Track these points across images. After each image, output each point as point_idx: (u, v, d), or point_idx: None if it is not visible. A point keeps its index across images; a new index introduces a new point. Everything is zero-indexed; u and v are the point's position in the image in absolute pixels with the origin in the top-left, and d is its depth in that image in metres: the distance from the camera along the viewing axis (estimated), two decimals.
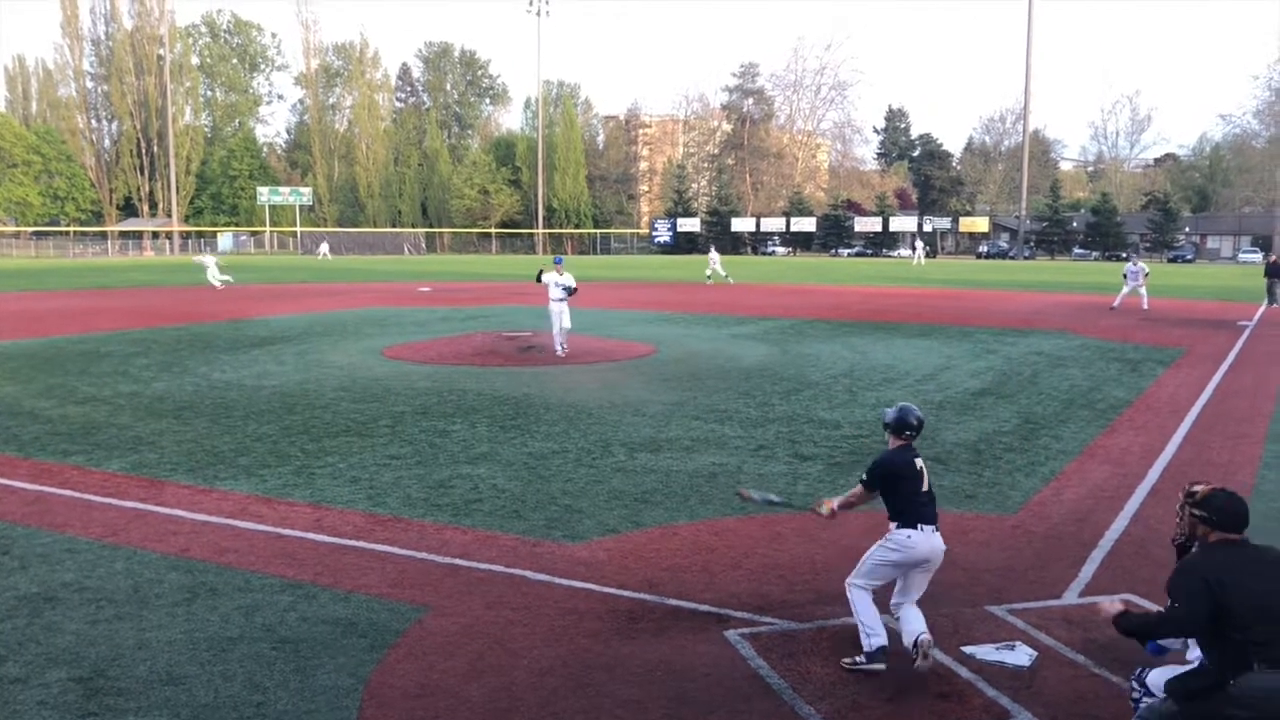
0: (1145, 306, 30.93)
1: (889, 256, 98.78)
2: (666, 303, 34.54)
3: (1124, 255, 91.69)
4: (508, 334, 22.79)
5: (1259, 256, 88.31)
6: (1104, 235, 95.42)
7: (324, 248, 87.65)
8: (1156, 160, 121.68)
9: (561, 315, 19.57)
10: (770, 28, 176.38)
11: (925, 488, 5.95)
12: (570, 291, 19.50)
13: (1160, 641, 4.87)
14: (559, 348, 19.55)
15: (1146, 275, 31.99)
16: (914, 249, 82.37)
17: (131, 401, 14.37)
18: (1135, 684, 4.79)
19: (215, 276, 40.26)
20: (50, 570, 7.31)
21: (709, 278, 47.45)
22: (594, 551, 7.83)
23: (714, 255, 50.77)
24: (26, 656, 5.85)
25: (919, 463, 6.00)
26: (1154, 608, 4.99)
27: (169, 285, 44.60)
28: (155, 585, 7.02)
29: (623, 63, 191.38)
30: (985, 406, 14.34)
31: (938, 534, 5.84)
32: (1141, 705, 4.70)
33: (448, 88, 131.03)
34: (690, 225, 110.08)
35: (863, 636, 5.76)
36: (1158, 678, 4.61)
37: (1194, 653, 4.69)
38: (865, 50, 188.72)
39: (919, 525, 5.80)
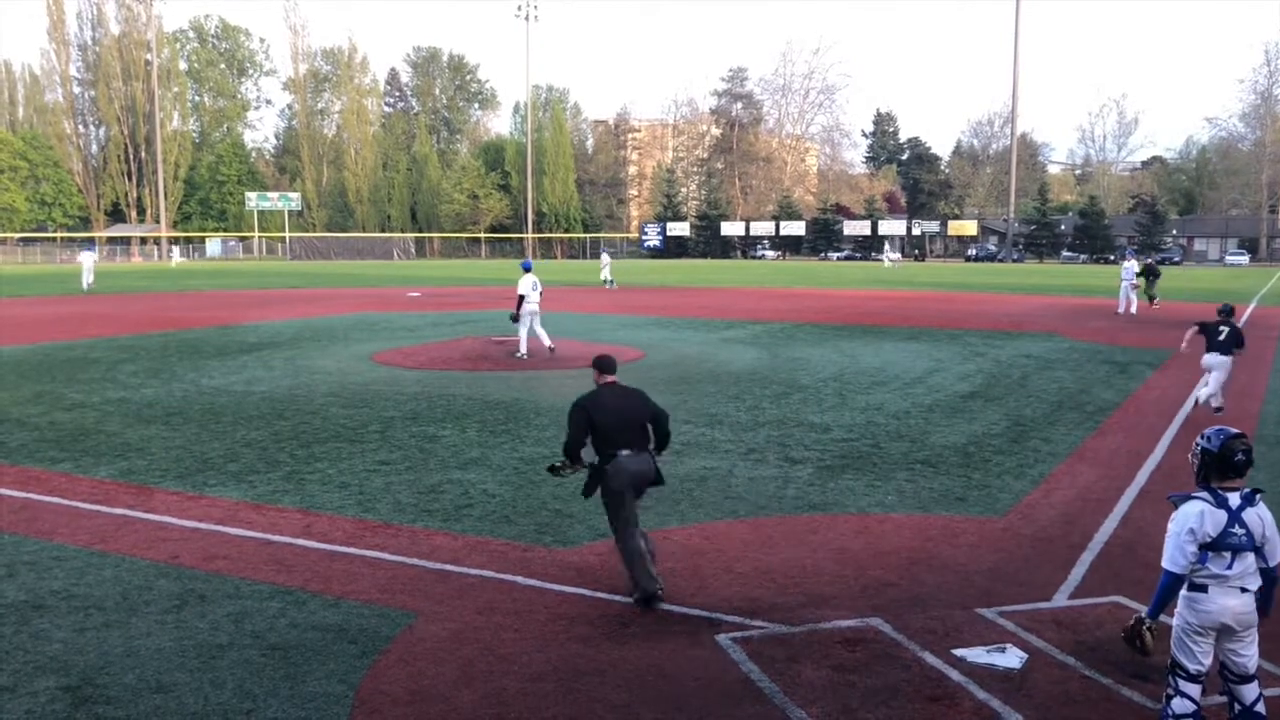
0: (1132, 310, 30.98)
1: (865, 260, 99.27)
2: (655, 307, 34.55)
3: (1112, 258, 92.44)
4: (497, 339, 22.76)
5: (1246, 259, 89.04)
6: (1092, 238, 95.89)
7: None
8: (1144, 163, 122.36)
9: (537, 316, 19.97)
10: (758, 32, 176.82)
11: None
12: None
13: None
14: (549, 345, 19.98)
15: (1138, 275, 32.10)
16: (885, 252, 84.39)
17: (120, 408, 14.30)
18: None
19: (87, 277, 45.10)
20: (38, 578, 7.27)
21: (608, 282, 45.84)
22: (584, 556, 7.83)
23: (605, 259, 49.49)
24: (14, 665, 5.82)
25: None
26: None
27: (157, 291, 44.46)
28: (144, 592, 6.99)
29: (612, 67, 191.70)
30: (974, 409, 14.38)
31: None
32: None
33: (436, 92, 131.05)
34: (680, 229, 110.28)
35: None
36: None
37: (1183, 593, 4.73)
38: (853, 54, 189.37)
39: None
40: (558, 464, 7.35)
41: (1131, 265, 32.44)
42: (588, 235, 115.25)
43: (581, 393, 7.30)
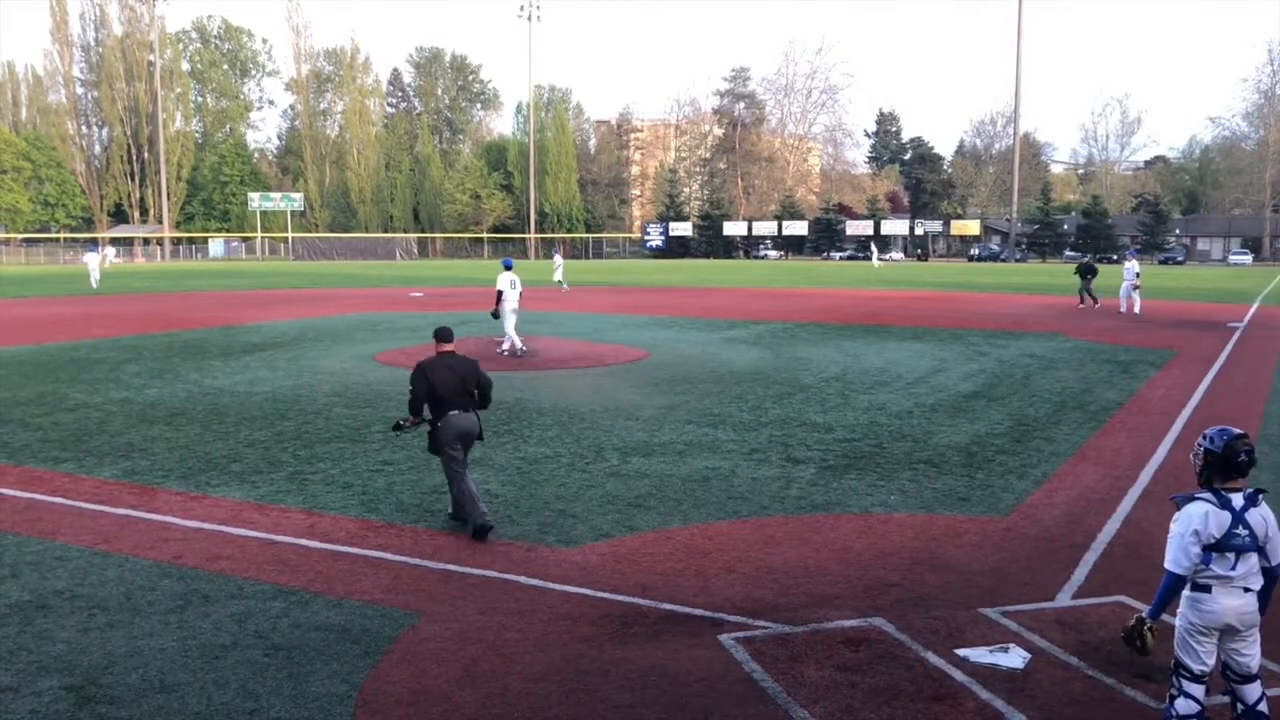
0: (1137, 310, 30.75)
1: (851, 259, 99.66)
2: (659, 307, 34.55)
3: (1115, 258, 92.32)
4: (499, 339, 22.74)
5: (1249, 259, 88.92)
6: (1095, 237, 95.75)
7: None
8: (1147, 162, 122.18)
9: (516, 314, 20.33)
10: (761, 32, 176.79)
11: None
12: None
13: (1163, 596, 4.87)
14: (521, 346, 20.37)
15: (1138, 275, 31.98)
16: (872, 252, 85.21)
17: (123, 408, 14.32)
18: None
19: (94, 276, 47.25)
20: (41, 578, 7.28)
21: (559, 284, 44.73)
22: (587, 556, 7.83)
23: (557, 260, 48.71)
24: (18, 665, 5.83)
25: None
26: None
27: (160, 292, 44.52)
28: (147, 593, 7.00)
29: (614, 67, 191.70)
30: (977, 409, 14.37)
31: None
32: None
33: (439, 93, 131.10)
34: (682, 229, 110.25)
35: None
36: None
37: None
38: (856, 54, 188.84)
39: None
40: (401, 420, 8.58)
41: (1133, 265, 32.19)
42: (590, 235, 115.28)
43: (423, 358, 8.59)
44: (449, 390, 8.32)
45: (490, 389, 8.66)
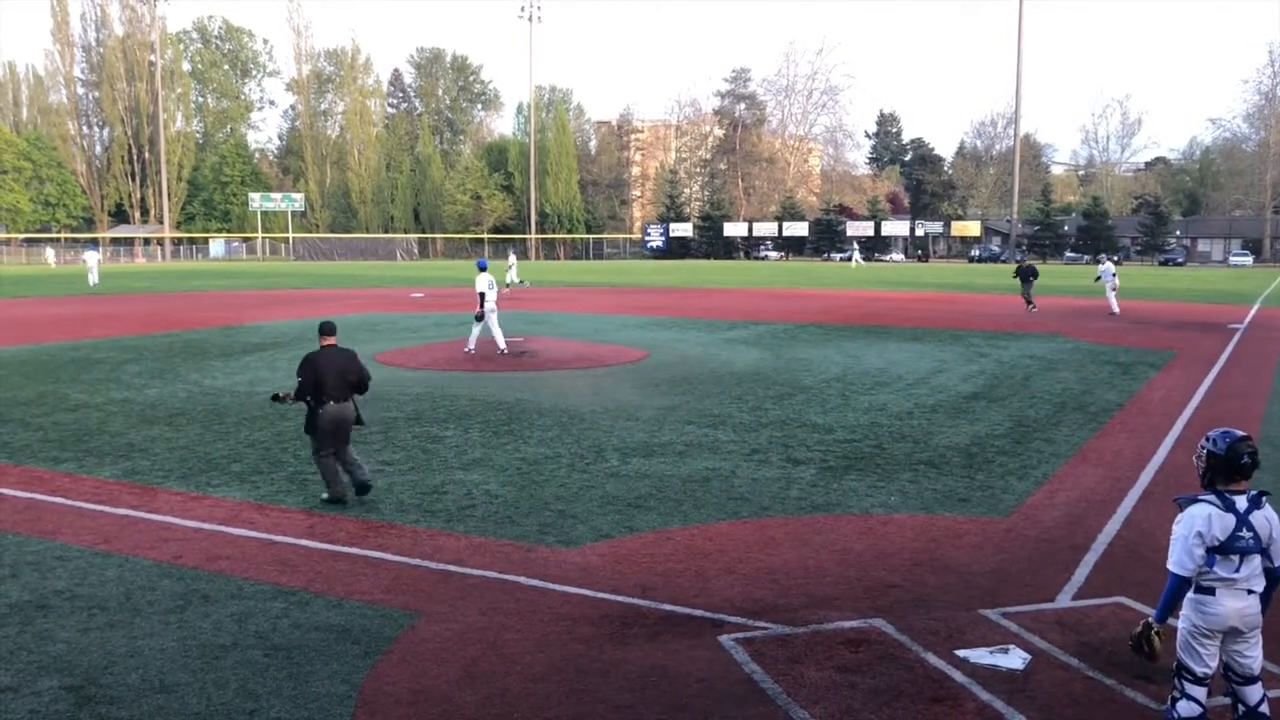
0: (1115, 310, 31.04)
1: (830, 259, 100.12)
2: (659, 308, 34.55)
3: (1117, 259, 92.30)
4: (489, 340, 22.73)
5: (1250, 260, 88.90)
6: (1095, 239, 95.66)
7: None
8: (1147, 164, 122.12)
9: (494, 314, 20.62)
10: (762, 33, 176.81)
11: None
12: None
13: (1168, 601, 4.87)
14: (503, 347, 20.55)
15: (1114, 276, 31.78)
16: (852, 252, 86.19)
17: (123, 408, 14.32)
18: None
19: (92, 276, 48.65)
20: (42, 578, 7.28)
21: (512, 284, 43.86)
22: (587, 557, 7.82)
23: (512, 259, 48.32)
24: (18, 665, 5.83)
25: None
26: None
27: (161, 292, 44.53)
28: (147, 593, 7.00)
29: (615, 68, 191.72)
30: (977, 410, 14.36)
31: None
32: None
33: (440, 93, 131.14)
34: (683, 230, 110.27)
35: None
36: None
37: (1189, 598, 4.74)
38: (856, 55, 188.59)
39: None
40: (280, 394, 9.55)
41: (1109, 267, 32.31)
42: (591, 236, 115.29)
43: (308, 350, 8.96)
44: (331, 381, 9.11)
45: (368, 381, 9.50)
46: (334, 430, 9.20)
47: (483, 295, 19.99)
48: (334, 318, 13.74)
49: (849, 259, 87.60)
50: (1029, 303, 32.22)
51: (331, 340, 9.43)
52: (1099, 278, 32.67)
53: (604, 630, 6.41)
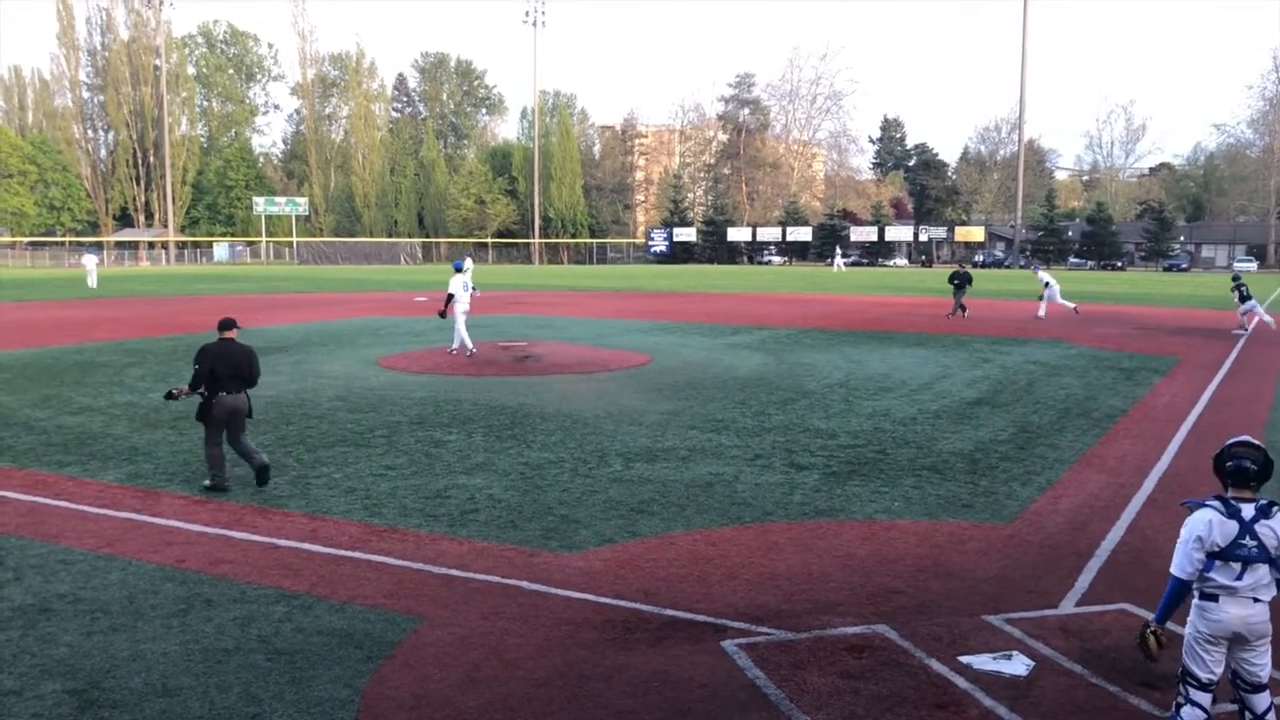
0: (1041, 314, 31.33)
1: (817, 264, 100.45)
2: (662, 312, 34.56)
3: (1120, 265, 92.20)
4: (504, 343, 22.79)
5: (1254, 266, 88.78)
6: (1099, 244, 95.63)
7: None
8: (1151, 169, 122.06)
9: (466, 316, 20.88)
10: (765, 38, 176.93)
11: None
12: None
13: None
14: (471, 348, 20.66)
15: (1047, 285, 31.68)
16: (835, 256, 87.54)
17: (127, 412, 14.34)
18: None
19: (91, 278, 49.44)
20: (45, 581, 7.29)
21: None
22: (590, 562, 7.82)
23: (468, 264, 47.84)
24: (21, 668, 5.83)
25: None
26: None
27: (165, 296, 44.60)
28: (150, 596, 7.01)
29: (619, 73, 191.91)
30: (981, 415, 14.35)
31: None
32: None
33: (444, 98, 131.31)
34: (686, 235, 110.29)
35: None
36: None
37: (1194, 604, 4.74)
38: (860, 60, 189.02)
39: None
40: (174, 390, 9.99)
41: (1044, 275, 32.59)
42: (594, 240, 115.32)
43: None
44: (225, 373, 9.67)
45: (258, 376, 10.09)
46: (227, 420, 9.76)
47: (452, 296, 20.35)
48: (338, 322, 13.74)
49: (831, 263, 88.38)
50: (960, 309, 31.57)
51: (230, 334, 9.98)
52: (950, 279, 32.47)
53: (607, 635, 6.40)
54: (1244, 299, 27.33)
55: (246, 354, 9.91)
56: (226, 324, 10.09)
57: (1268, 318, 28.85)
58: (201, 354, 9.65)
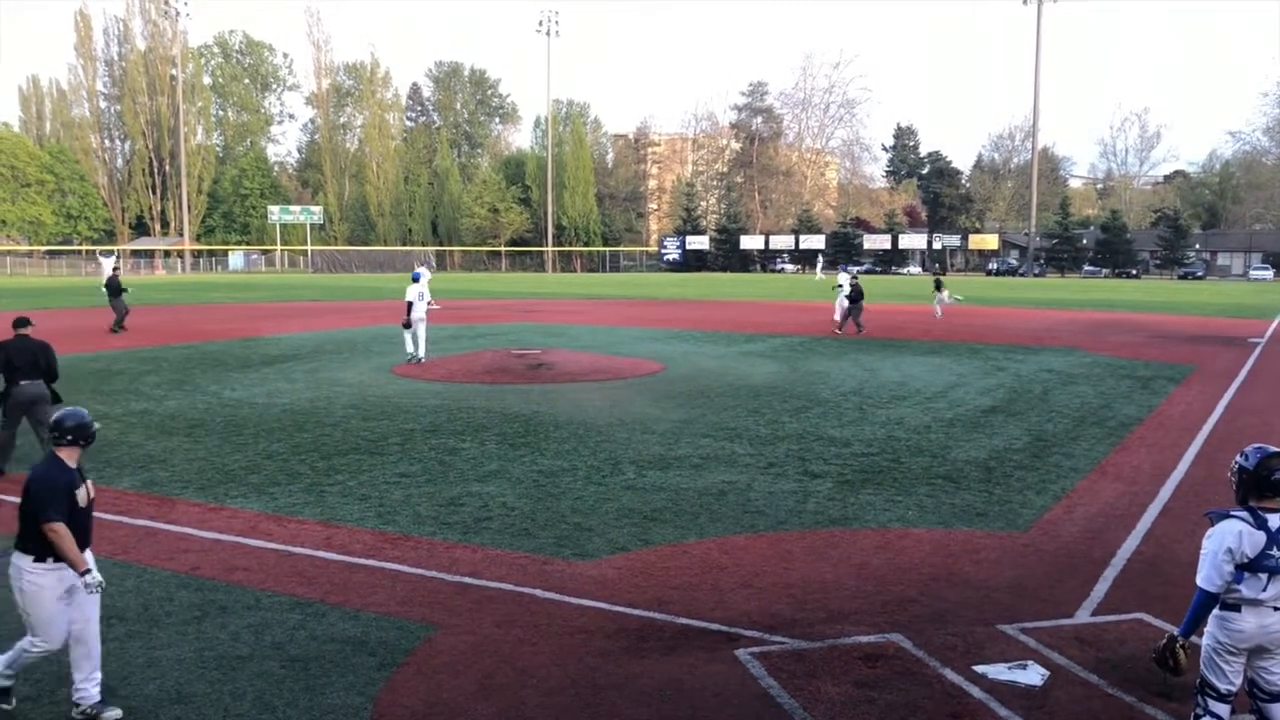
0: (838, 316, 30.38)
1: (798, 273, 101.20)
2: (675, 320, 34.55)
3: (1134, 272, 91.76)
4: (517, 351, 22.80)
5: (1270, 274, 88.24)
6: (1114, 252, 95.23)
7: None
8: (1166, 177, 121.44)
9: (423, 324, 21.12)
10: (778, 46, 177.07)
11: None
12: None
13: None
14: (422, 356, 20.97)
15: (850, 282, 30.02)
16: (815, 265, 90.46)
17: (142, 419, 14.42)
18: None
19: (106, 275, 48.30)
20: None
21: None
22: (603, 570, 7.81)
23: (424, 272, 46.93)
24: (36, 675, 5.85)
25: None
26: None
27: (180, 304, 44.83)
28: (165, 603, 7.03)
29: (632, 82, 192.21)
30: (996, 424, 14.29)
31: None
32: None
33: (458, 107, 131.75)
34: (699, 243, 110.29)
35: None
36: None
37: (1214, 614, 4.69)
38: (874, 68, 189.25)
39: None
40: None
41: (845, 278, 30.78)
42: (608, 249, 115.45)
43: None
44: (23, 364, 10.95)
45: (56, 367, 11.37)
46: (27, 407, 10.90)
47: (410, 304, 20.75)
48: (352, 330, 13.80)
49: (814, 271, 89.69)
50: (856, 325, 29.17)
51: (26, 330, 11.40)
52: (838, 286, 31.09)
53: (620, 643, 6.39)
54: None
55: (43, 347, 11.24)
56: (21, 321, 11.56)
57: None
58: None
